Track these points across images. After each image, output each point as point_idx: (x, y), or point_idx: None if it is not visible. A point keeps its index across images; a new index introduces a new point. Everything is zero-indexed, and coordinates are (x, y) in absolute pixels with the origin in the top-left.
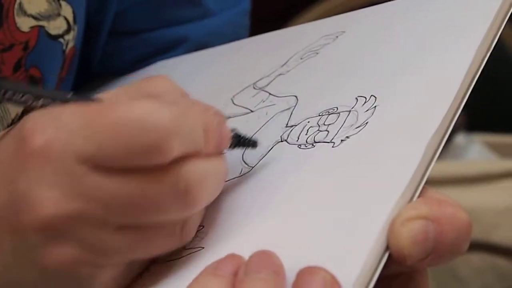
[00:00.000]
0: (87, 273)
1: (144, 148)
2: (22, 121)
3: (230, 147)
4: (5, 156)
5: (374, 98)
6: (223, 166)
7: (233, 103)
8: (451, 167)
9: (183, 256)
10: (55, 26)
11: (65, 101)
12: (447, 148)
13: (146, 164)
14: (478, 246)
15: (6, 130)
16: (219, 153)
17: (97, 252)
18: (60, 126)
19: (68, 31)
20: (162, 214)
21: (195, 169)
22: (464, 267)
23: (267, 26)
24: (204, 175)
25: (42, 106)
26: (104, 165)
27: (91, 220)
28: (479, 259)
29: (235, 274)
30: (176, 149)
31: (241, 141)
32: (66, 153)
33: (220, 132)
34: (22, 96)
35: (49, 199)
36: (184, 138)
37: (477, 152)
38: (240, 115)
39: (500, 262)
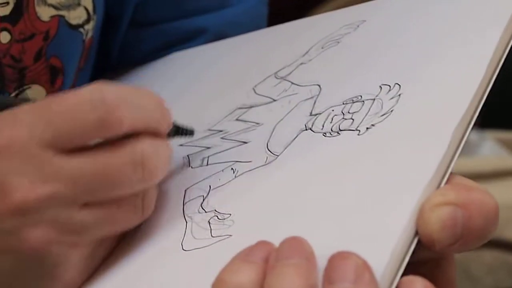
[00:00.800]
0: (59, 253)
1: (96, 124)
2: None
3: (169, 135)
4: None
5: (398, 86)
6: (168, 146)
7: (255, 92)
8: (463, 164)
9: (212, 244)
10: (75, 16)
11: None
12: None
13: (102, 138)
14: (489, 243)
15: None
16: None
17: (67, 231)
18: (16, 123)
19: (88, 21)
20: (124, 187)
21: (148, 144)
22: (475, 264)
23: (284, 17)
24: (156, 150)
25: None
26: (64, 147)
27: (59, 201)
28: (490, 256)
29: (266, 260)
30: (126, 121)
31: (179, 130)
32: (28, 144)
33: (166, 113)
34: None
35: (19, 185)
36: (134, 111)
37: (489, 148)
38: (262, 104)
39: None
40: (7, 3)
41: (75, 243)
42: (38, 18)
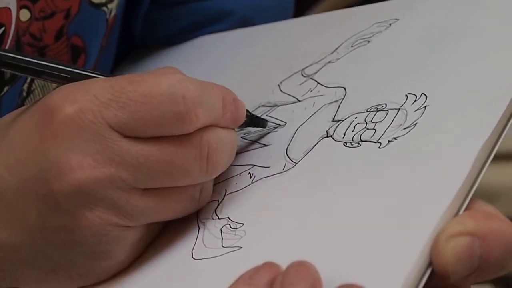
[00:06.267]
0: (115, 235)
1: (174, 118)
2: (48, 95)
3: (242, 125)
4: (31, 129)
5: (425, 96)
6: (235, 138)
7: (280, 89)
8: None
9: (222, 255)
10: None
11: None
12: None
13: (174, 132)
14: None
15: (24, 108)
16: (233, 127)
17: (125, 215)
18: (90, 97)
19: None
20: (187, 178)
21: (215, 136)
22: None
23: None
24: (222, 142)
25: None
26: (135, 133)
27: (121, 184)
28: None
29: (271, 284)
30: (201, 118)
31: (252, 120)
32: (98, 121)
33: (235, 107)
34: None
35: (80, 164)
36: (207, 108)
37: None
38: (286, 104)
39: None
40: None
41: (131, 225)
42: None
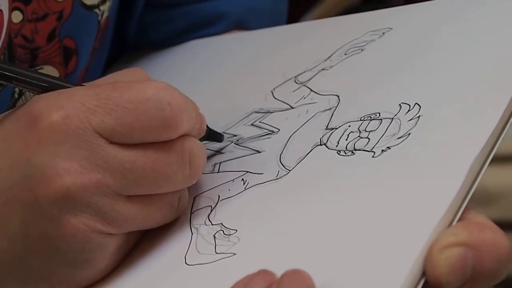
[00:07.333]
0: (98, 242)
1: (160, 124)
2: (29, 102)
3: (202, 138)
4: (14, 137)
5: (419, 106)
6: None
7: (273, 96)
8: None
9: (215, 261)
10: None
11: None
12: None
13: (159, 138)
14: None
15: (4, 114)
16: (198, 138)
17: (109, 221)
18: (76, 104)
19: (103, 1)
20: (169, 184)
21: (195, 143)
22: None
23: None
24: (200, 149)
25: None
26: (121, 139)
27: (106, 191)
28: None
29: None
30: (185, 125)
31: (210, 134)
32: (84, 127)
33: (200, 120)
34: None
35: (66, 170)
36: (190, 116)
37: None
38: (279, 111)
39: None
40: None
41: (115, 232)
42: None
